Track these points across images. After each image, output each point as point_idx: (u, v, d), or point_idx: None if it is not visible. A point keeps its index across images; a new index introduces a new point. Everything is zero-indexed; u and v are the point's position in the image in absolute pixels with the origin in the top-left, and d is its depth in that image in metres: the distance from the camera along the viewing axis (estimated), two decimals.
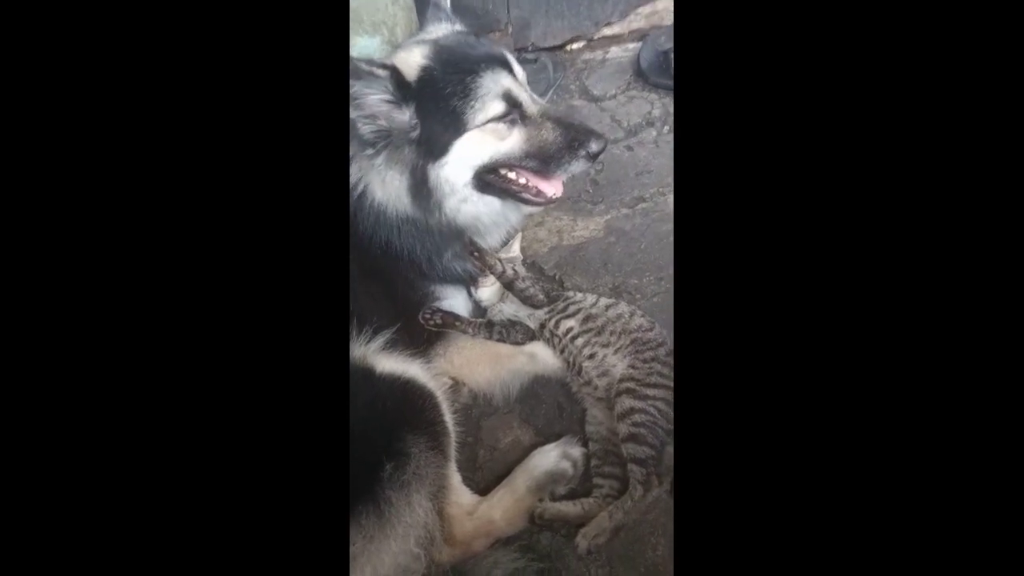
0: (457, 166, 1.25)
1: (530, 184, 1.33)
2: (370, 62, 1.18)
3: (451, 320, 1.39)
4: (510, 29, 2.80)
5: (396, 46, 1.80)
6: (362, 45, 1.78)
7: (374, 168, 1.26)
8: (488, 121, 1.22)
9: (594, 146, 1.25)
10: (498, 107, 1.21)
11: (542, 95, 2.59)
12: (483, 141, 1.25)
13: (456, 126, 1.21)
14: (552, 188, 1.34)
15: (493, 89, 1.21)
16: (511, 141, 1.26)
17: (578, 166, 1.28)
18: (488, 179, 1.30)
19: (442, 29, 1.41)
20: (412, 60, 1.25)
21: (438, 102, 1.20)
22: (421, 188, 1.25)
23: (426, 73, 1.22)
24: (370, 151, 1.24)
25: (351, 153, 1.28)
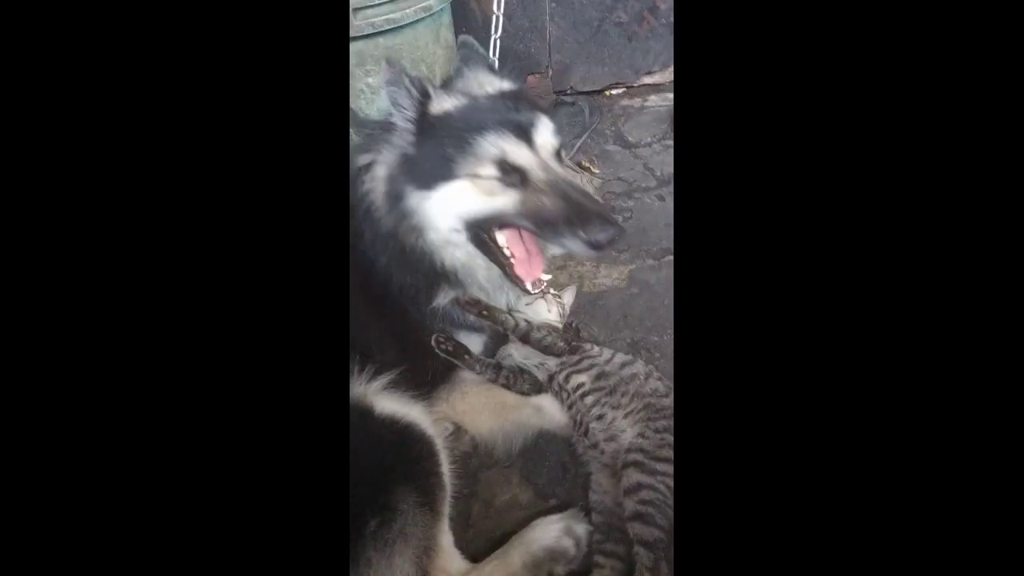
0: (441, 205, 1.22)
1: (515, 261, 1.26)
2: (412, 79, 1.20)
3: (461, 352, 1.35)
4: (550, 72, 2.83)
5: (434, 85, 1.82)
6: None
7: (370, 176, 1.28)
8: (478, 176, 1.20)
9: (598, 235, 1.10)
10: (489, 170, 1.18)
11: (576, 138, 2.60)
12: (471, 191, 1.21)
13: (445, 171, 1.20)
14: (531, 275, 1.26)
15: (490, 152, 1.18)
16: (504, 199, 1.20)
17: (576, 247, 1.14)
18: (483, 237, 1.25)
19: (483, 79, 1.39)
20: (442, 103, 1.26)
21: (437, 145, 1.21)
22: (396, 201, 1.25)
23: (443, 117, 1.24)
24: (370, 129, 1.27)
25: (359, 164, 1.30)
